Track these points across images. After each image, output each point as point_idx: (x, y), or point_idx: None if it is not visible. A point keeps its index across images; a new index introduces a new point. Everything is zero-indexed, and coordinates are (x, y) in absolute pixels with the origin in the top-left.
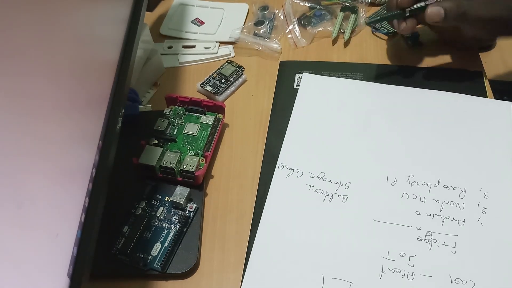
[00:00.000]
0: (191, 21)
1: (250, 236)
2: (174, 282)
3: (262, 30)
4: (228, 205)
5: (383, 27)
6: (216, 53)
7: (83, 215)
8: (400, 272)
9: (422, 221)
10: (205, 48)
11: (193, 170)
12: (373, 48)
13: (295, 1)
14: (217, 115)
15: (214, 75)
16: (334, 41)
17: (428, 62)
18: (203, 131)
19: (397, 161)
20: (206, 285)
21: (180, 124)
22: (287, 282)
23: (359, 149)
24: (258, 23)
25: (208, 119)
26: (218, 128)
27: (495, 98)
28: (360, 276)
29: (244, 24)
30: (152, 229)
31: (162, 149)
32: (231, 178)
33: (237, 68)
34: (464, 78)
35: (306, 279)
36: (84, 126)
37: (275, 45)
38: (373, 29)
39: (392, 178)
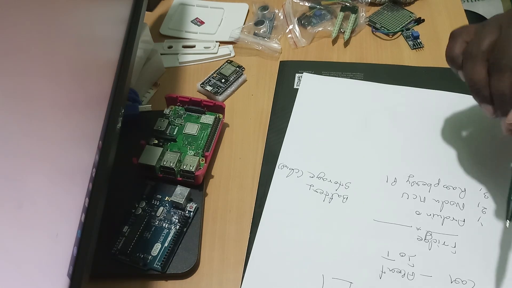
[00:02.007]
0: (191, 21)
1: (250, 236)
2: (174, 282)
3: (262, 30)
4: (228, 205)
5: (383, 27)
6: (216, 53)
7: (83, 215)
8: (400, 272)
9: (422, 221)
10: (205, 48)
11: (193, 170)
12: (373, 48)
13: (295, 1)
14: (217, 115)
15: (214, 75)
16: (334, 41)
17: (428, 62)
18: (203, 131)
19: (397, 161)
20: (206, 285)
21: (180, 124)
22: (287, 282)
23: (359, 149)
24: (258, 23)
25: (208, 119)
26: (218, 128)
27: None
28: (360, 276)
29: (244, 24)
30: (152, 229)
31: (162, 149)
32: (231, 178)
33: (237, 68)
34: None
35: (306, 279)
36: (84, 126)
37: (275, 45)
38: (373, 29)
39: (392, 178)
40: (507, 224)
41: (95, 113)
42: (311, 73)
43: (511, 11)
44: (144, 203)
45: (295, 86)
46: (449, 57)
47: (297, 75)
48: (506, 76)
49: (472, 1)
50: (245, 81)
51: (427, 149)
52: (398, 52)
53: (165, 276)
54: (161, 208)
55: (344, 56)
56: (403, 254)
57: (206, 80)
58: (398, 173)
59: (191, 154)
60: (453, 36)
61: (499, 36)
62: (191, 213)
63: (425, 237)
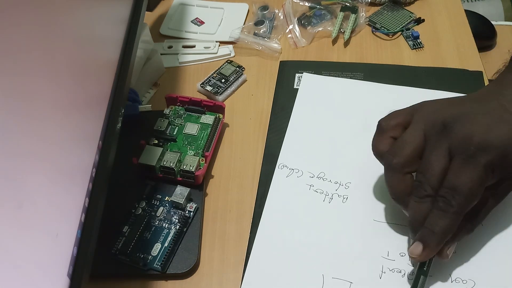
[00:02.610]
0: (191, 21)
1: (250, 236)
2: (174, 282)
3: (262, 30)
4: (228, 205)
5: (383, 27)
6: (216, 53)
7: (83, 215)
8: (400, 272)
9: None
10: (205, 48)
11: (193, 170)
12: (373, 48)
13: (295, 1)
14: (217, 115)
15: (214, 75)
16: (334, 41)
17: (428, 62)
18: (203, 131)
19: None
20: (206, 285)
21: (180, 124)
22: (287, 282)
23: (359, 149)
24: (258, 23)
25: (208, 119)
26: (218, 128)
27: None
28: (360, 276)
29: (244, 24)
30: (152, 229)
31: (162, 149)
32: (231, 178)
33: (237, 68)
34: (464, 78)
35: (306, 279)
36: (84, 126)
37: (275, 45)
38: (373, 29)
39: None
40: None
41: (95, 113)
42: (311, 73)
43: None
44: (144, 203)
45: (295, 86)
46: (375, 152)
47: (297, 75)
48: (451, 214)
49: (472, 1)
50: (245, 81)
51: None
52: (398, 52)
53: (165, 276)
54: (161, 208)
55: (344, 56)
56: (403, 254)
57: (206, 80)
58: None
59: (191, 154)
60: (379, 129)
61: (451, 167)
62: (191, 213)
63: None
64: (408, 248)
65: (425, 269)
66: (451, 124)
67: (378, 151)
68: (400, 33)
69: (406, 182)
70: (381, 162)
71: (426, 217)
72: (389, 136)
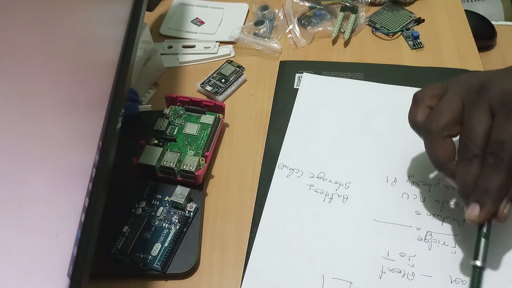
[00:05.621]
0: (191, 21)
1: (250, 236)
2: (174, 282)
3: (262, 30)
4: (228, 205)
5: (383, 27)
6: (216, 53)
7: (83, 215)
8: (400, 272)
9: (422, 221)
10: (205, 48)
11: (193, 170)
12: (373, 48)
13: (295, 1)
14: (217, 115)
15: (214, 75)
16: (334, 41)
17: (428, 62)
18: (203, 131)
19: (397, 161)
20: (206, 285)
21: (180, 124)
22: (287, 282)
23: (359, 149)
24: (258, 23)
25: (208, 119)
26: (218, 128)
27: None
28: (360, 276)
29: (244, 24)
30: (152, 229)
31: (162, 149)
32: (231, 178)
33: (237, 68)
34: None
35: (306, 279)
36: (84, 126)
37: (275, 45)
38: (373, 29)
39: (392, 178)
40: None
41: (95, 113)
42: (311, 73)
43: (469, 76)
44: (144, 203)
45: (295, 86)
46: (412, 123)
47: (297, 75)
48: (503, 168)
49: (472, 1)
50: (245, 81)
51: None
52: (398, 52)
53: (165, 276)
54: (161, 208)
55: (344, 56)
56: (403, 254)
57: (206, 80)
58: (398, 173)
59: (191, 154)
60: (416, 100)
61: (495, 122)
62: (191, 213)
63: (425, 237)
64: (465, 214)
65: (485, 231)
66: (488, 84)
67: (415, 121)
68: (400, 33)
69: (447, 146)
70: (418, 133)
71: (476, 179)
72: (426, 105)
